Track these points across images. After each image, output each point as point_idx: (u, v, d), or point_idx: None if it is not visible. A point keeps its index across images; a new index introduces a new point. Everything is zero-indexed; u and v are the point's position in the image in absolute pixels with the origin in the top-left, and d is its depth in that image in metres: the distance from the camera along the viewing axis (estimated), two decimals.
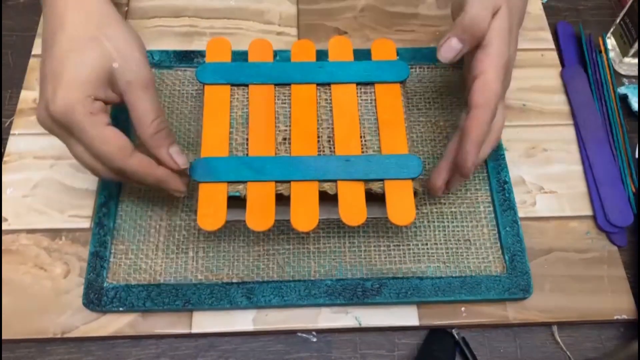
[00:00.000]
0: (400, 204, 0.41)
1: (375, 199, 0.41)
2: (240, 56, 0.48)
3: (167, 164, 0.40)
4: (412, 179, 0.41)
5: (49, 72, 0.37)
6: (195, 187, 0.42)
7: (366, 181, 0.41)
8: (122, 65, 0.38)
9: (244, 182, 0.41)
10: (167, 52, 0.53)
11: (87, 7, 0.39)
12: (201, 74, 0.45)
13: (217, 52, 0.46)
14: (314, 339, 0.43)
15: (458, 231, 0.46)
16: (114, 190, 0.46)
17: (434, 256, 0.45)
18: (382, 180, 0.41)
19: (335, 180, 0.41)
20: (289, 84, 0.45)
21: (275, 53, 0.51)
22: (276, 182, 0.41)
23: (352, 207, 0.40)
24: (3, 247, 0.45)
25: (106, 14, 0.39)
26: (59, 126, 0.37)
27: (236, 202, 0.41)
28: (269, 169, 0.41)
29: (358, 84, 0.45)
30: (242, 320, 0.42)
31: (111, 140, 0.37)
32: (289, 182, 0.41)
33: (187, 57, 0.53)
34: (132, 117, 0.39)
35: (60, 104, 0.36)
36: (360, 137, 0.43)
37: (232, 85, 0.45)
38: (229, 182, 0.41)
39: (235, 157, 0.42)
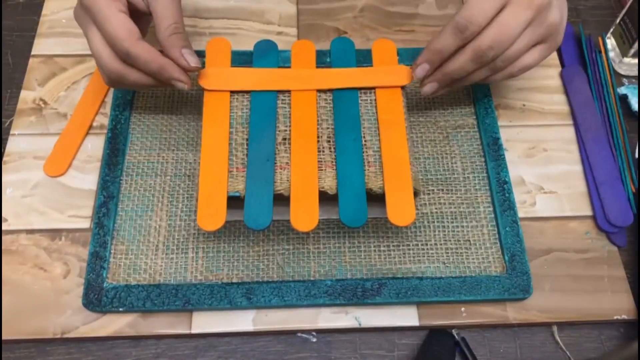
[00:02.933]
0: (400, 205, 0.41)
1: (375, 199, 0.41)
2: (240, 56, 0.48)
3: (178, 62, 0.42)
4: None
5: None
6: (196, 187, 0.42)
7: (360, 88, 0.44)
8: None
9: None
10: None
11: None
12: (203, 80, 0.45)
13: (216, 52, 0.46)
14: (314, 339, 0.43)
15: (458, 231, 0.46)
16: (114, 191, 0.46)
17: (433, 256, 0.45)
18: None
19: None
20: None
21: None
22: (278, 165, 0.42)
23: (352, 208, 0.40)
24: (3, 247, 0.45)
25: None
26: (84, 11, 0.42)
27: (236, 202, 0.41)
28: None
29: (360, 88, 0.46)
30: (242, 321, 0.42)
31: (122, 22, 0.41)
32: (290, 166, 0.42)
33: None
34: (154, 20, 0.42)
35: None
36: (361, 136, 0.43)
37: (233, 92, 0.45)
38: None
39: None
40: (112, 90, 0.51)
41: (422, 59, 0.43)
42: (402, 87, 0.46)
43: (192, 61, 0.42)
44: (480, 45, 0.40)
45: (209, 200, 0.40)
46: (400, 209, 0.40)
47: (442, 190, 0.47)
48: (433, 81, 0.44)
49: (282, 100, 0.45)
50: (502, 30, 0.40)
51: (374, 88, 0.46)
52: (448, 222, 0.46)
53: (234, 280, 0.43)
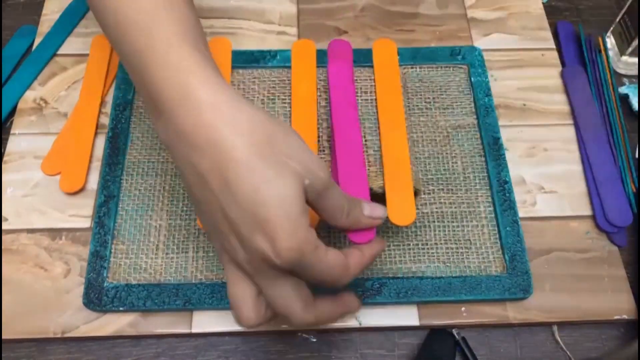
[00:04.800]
0: (401, 204, 0.41)
1: (375, 199, 0.41)
2: (240, 56, 0.48)
3: (372, 224, 0.37)
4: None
5: (242, 220, 0.30)
6: None
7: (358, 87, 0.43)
8: (310, 178, 0.31)
9: None
10: None
11: (242, 120, 0.30)
12: None
13: (217, 52, 0.46)
14: (314, 339, 0.43)
15: (458, 231, 0.46)
16: (114, 190, 0.46)
17: (434, 256, 0.45)
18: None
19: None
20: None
21: (276, 53, 0.51)
22: None
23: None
24: (3, 247, 0.45)
25: (263, 120, 0.31)
26: (278, 269, 0.31)
27: None
28: None
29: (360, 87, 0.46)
30: None
31: (337, 263, 0.33)
32: None
33: None
34: (325, 216, 0.34)
35: (287, 252, 0.30)
36: (360, 137, 0.43)
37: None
38: None
39: None
40: (112, 89, 0.51)
41: None
42: (402, 85, 0.46)
43: (382, 213, 0.37)
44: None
45: None
46: (400, 209, 0.40)
47: (443, 190, 0.47)
48: None
49: (282, 100, 0.45)
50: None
51: (374, 85, 0.46)
52: (448, 221, 0.46)
53: None
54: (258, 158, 0.29)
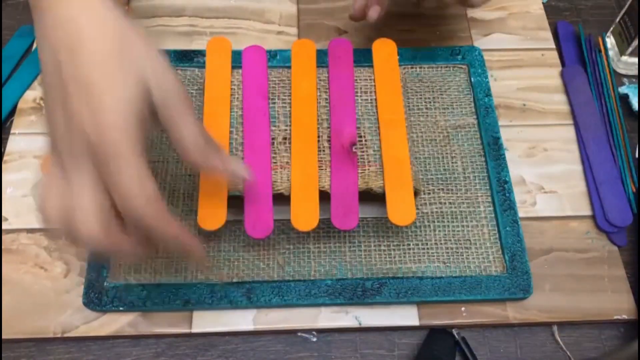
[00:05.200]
0: (401, 204, 0.41)
1: (375, 199, 0.41)
2: (240, 56, 0.48)
3: (228, 173, 0.36)
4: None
5: (76, 96, 0.30)
6: (196, 187, 0.42)
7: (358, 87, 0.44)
8: (159, 84, 0.32)
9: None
10: (167, 51, 0.53)
11: (103, 21, 0.32)
12: None
13: (217, 52, 0.46)
14: (314, 339, 0.43)
15: (458, 231, 0.46)
16: None
17: (434, 256, 0.45)
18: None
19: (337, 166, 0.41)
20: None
21: (276, 53, 0.51)
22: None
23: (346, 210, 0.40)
24: (3, 247, 0.45)
25: (123, 26, 0.33)
26: (90, 158, 0.30)
27: (236, 202, 0.41)
28: None
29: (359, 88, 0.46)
30: (242, 320, 0.42)
31: (146, 190, 0.31)
32: (290, 165, 0.42)
33: (187, 57, 0.53)
34: (174, 138, 0.33)
35: (106, 131, 0.30)
36: (361, 136, 0.43)
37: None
38: None
39: None
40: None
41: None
42: (402, 84, 0.46)
43: (245, 173, 0.37)
44: None
45: (209, 200, 0.40)
46: (400, 209, 0.40)
47: (443, 189, 0.47)
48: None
49: (282, 100, 0.45)
50: None
51: (374, 85, 0.46)
52: (448, 221, 0.46)
53: (235, 280, 0.43)
54: (108, 53, 0.31)
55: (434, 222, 0.46)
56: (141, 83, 0.31)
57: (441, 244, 0.45)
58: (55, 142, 0.32)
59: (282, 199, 0.41)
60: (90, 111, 0.30)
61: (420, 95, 0.52)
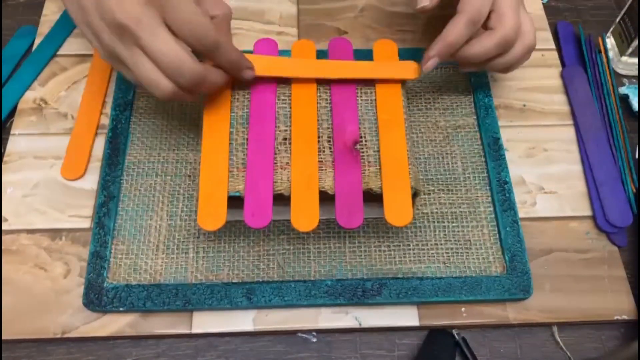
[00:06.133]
0: (398, 205, 0.41)
1: (375, 199, 0.41)
2: None
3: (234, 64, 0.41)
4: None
5: None
6: (196, 187, 0.42)
7: (358, 87, 0.45)
8: None
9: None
10: None
11: None
12: None
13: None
14: (314, 339, 0.43)
15: (458, 231, 0.46)
16: (114, 190, 0.46)
17: (434, 256, 0.45)
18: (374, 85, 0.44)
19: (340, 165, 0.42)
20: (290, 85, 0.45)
21: None
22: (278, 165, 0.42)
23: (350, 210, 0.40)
24: (3, 247, 0.45)
25: None
26: (121, 35, 0.36)
27: (236, 202, 0.41)
28: None
29: (358, 82, 0.45)
30: (242, 321, 0.42)
31: (171, 53, 0.36)
32: (290, 165, 0.42)
33: None
34: (189, 35, 0.37)
35: (126, 11, 0.35)
36: (360, 137, 0.43)
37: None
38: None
39: None
40: (112, 89, 0.51)
41: (434, 52, 0.44)
42: (402, 84, 0.46)
43: (247, 62, 0.42)
44: (506, 32, 0.43)
45: (209, 200, 0.40)
46: (397, 210, 0.40)
47: (443, 190, 0.47)
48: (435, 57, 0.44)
49: (283, 100, 0.45)
50: (515, 19, 0.43)
51: (374, 85, 0.46)
52: (448, 222, 0.46)
53: (234, 280, 0.43)
54: None
55: (434, 222, 0.46)
56: None
57: (441, 244, 0.45)
58: (98, 37, 0.38)
59: (282, 199, 0.41)
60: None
61: (420, 95, 0.52)
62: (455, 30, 0.43)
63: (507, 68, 0.47)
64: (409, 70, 0.46)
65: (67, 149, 0.48)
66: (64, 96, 0.52)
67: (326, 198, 0.41)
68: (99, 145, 0.49)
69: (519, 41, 0.44)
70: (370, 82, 0.46)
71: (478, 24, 0.43)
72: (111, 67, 0.52)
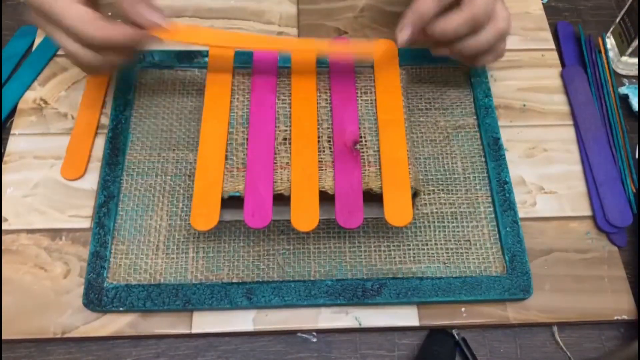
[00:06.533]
0: (398, 205, 0.41)
1: (375, 199, 0.41)
2: (241, 56, 0.48)
3: (147, 25, 0.41)
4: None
5: None
6: (192, 187, 0.42)
7: (358, 88, 0.44)
8: None
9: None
10: (167, 52, 0.53)
11: None
12: None
13: (219, 52, 0.46)
14: (314, 339, 0.43)
15: (458, 231, 0.46)
16: (114, 190, 0.46)
17: (434, 256, 0.45)
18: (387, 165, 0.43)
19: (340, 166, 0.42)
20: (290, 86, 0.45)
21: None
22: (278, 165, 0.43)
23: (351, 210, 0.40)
24: (3, 247, 0.45)
25: None
26: (40, 15, 0.40)
27: (236, 202, 0.41)
28: None
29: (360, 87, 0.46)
30: (242, 321, 0.42)
31: (78, 12, 0.39)
32: (290, 165, 0.42)
33: (187, 57, 0.53)
34: None
35: None
36: (360, 137, 0.43)
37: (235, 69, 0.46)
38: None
39: None
40: (112, 89, 0.51)
41: (406, 20, 0.44)
42: (402, 86, 0.46)
43: (157, 17, 0.42)
44: (475, 11, 0.42)
45: (202, 201, 0.40)
46: (397, 210, 0.40)
47: (443, 190, 0.47)
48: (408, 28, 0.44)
49: (283, 100, 0.45)
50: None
51: (374, 85, 0.46)
52: (448, 222, 0.46)
53: (234, 280, 0.43)
54: None
55: (434, 222, 0.46)
56: None
57: (441, 244, 0.45)
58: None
59: (282, 199, 0.41)
60: None
61: (421, 95, 0.52)
62: (425, 1, 0.43)
63: (479, 55, 0.46)
64: (371, 48, 0.46)
65: (67, 149, 0.48)
66: (64, 96, 0.52)
67: (326, 198, 0.41)
68: (99, 145, 0.49)
69: (490, 24, 0.44)
70: (370, 83, 0.46)
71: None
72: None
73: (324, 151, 0.43)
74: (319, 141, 0.43)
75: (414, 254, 0.45)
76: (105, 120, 0.50)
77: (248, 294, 0.42)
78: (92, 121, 0.50)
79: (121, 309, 0.42)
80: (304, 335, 0.43)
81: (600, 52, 0.55)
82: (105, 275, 0.43)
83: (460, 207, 0.47)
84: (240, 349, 0.43)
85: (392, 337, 0.43)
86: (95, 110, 0.51)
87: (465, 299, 0.43)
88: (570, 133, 0.51)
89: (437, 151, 0.49)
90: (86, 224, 0.46)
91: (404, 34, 0.44)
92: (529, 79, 0.54)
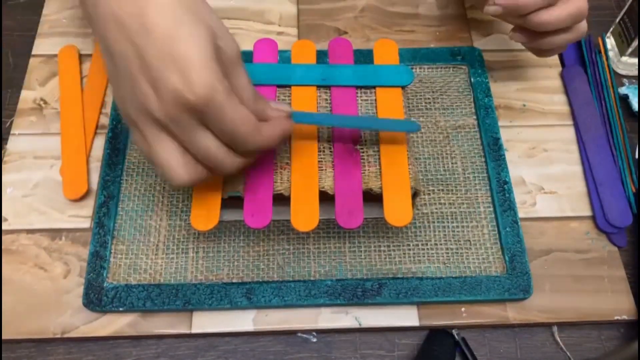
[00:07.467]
0: (398, 205, 0.41)
1: (375, 199, 0.41)
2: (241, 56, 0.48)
3: (277, 115, 0.37)
4: (403, 86, 0.43)
5: (156, 59, 0.31)
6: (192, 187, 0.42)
7: (358, 87, 0.44)
8: (223, 40, 0.34)
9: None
10: None
11: None
12: None
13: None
14: (314, 339, 0.43)
15: (458, 231, 0.46)
16: (114, 190, 0.46)
17: (434, 256, 0.45)
18: (374, 87, 0.43)
19: (340, 165, 0.42)
20: (290, 86, 0.45)
21: None
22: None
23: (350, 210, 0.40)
24: (3, 247, 0.45)
25: None
26: (192, 115, 0.32)
27: (236, 202, 0.41)
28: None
29: (360, 87, 0.45)
30: (242, 321, 0.42)
31: (249, 119, 0.34)
32: (290, 165, 0.42)
33: None
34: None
35: (200, 87, 0.31)
36: (360, 137, 0.43)
37: None
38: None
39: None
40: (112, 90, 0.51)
41: (501, 2, 0.43)
42: (403, 87, 0.46)
43: (286, 108, 0.38)
44: (580, 3, 0.43)
45: (202, 200, 0.40)
46: (397, 210, 0.40)
47: (442, 190, 0.47)
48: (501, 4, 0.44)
49: (282, 100, 0.45)
50: None
51: (373, 88, 0.46)
52: (448, 222, 0.46)
53: (234, 280, 0.43)
54: (178, 4, 0.32)
55: (433, 222, 0.46)
56: (212, 33, 0.33)
57: (441, 244, 0.45)
58: (147, 109, 0.32)
59: (282, 199, 0.41)
60: (181, 77, 0.31)
61: (421, 95, 0.52)
62: None
63: (560, 47, 0.47)
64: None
65: (60, 169, 0.47)
66: None
67: (326, 198, 0.41)
68: (99, 145, 0.49)
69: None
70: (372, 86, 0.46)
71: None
72: None
73: (324, 151, 0.43)
74: (318, 141, 0.43)
75: (413, 254, 0.45)
76: (105, 120, 0.50)
77: (248, 294, 0.42)
78: (91, 121, 0.50)
79: (121, 309, 0.42)
80: (304, 335, 0.43)
81: (600, 52, 0.55)
82: (105, 275, 0.43)
83: (460, 207, 0.47)
84: (240, 349, 0.43)
85: (392, 337, 0.43)
86: (95, 110, 0.50)
87: (465, 299, 0.43)
88: (570, 133, 0.51)
89: (437, 151, 0.49)
90: (86, 224, 0.46)
91: (492, 9, 0.44)
92: (529, 79, 0.54)
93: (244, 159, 0.36)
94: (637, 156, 0.50)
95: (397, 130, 0.43)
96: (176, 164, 0.34)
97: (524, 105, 0.53)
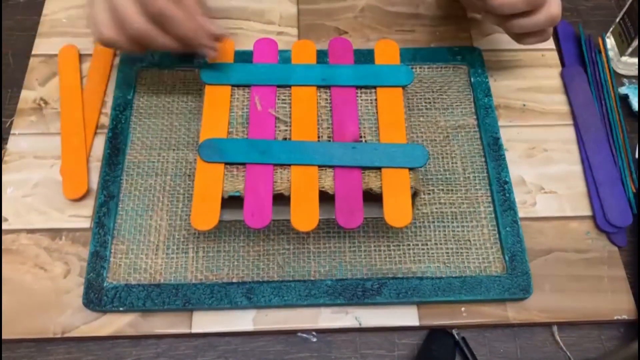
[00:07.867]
0: (398, 206, 0.41)
1: (375, 199, 0.41)
2: (241, 56, 0.48)
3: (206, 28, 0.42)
4: (417, 168, 0.42)
5: None
6: (192, 187, 0.42)
7: (371, 169, 0.42)
8: None
9: (244, 163, 0.41)
10: (167, 52, 0.53)
11: None
12: (205, 74, 0.45)
13: (220, 52, 0.46)
14: (314, 339, 0.43)
15: (458, 231, 0.46)
16: (114, 190, 0.46)
17: (434, 256, 0.45)
18: (388, 167, 0.41)
19: (340, 166, 0.41)
20: (290, 86, 0.45)
21: None
22: (278, 165, 0.42)
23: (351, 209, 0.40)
24: (3, 247, 0.45)
25: None
26: None
27: (236, 202, 0.41)
28: (275, 152, 0.42)
29: (360, 87, 0.46)
30: (242, 320, 0.42)
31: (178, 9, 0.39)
32: (290, 165, 0.41)
33: (187, 57, 0.53)
34: None
35: None
36: (360, 137, 0.43)
37: (234, 86, 0.45)
38: (232, 162, 0.42)
39: (242, 139, 0.43)
40: (112, 89, 0.51)
41: None
42: (403, 87, 0.46)
43: (219, 29, 0.42)
44: None
45: (203, 200, 0.40)
46: (397, 211, 0.40)
47: (443, 190, 0.47)
48: None
49: (283, 100, 0.45)
50: None
51: (373, 88, 0.46)
52: (448, 222, 0.46)
53: (234, 280, 0.43)
54: None
55: (434, 222, 0.46)
56: None
57: (441, 244, 0.45)
58: None
59: (282, 199, 0.41)
60: None
61: (421, 95, 0.52)
62: None
63: (525, 35, 0.48)
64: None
65: (60, 169, 0.48)
66: None
67: (326, 198, 0.41)
68: (99, 145, 0.49)
69: (544, 7, 0.45)
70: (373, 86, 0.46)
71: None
72: (110, 67, 0.53)
73: None
74: (318, 141, 0.43)
75: (413, 253, 0.45)
76: (105, 120, 0.50)
77: (248, 294, 0.42)
78: (91, 121, 0.50)
79: (121, 308, 0.42)
80: (304, 335, 0.43)
81: (600, 52, 0.55)
82: (105, 275, 0.43)
83: (460, 207, 0.47)
84: (240, 349, 0.43)
85: (392, 337, 0.43)
86: (95, 110, 0.50)
87: (465, 298, 0.43)
88: (570, 133, 0.51)
89: (437, 151, 0.49)
90: (86, 223, 0.46)
91: None
92: (529, 78, 0.54)
93: (158, 29, 0.40)
94: (637, 156, 0.50)
95: (399, 167, 0.42)
96: (105, 22, 0.41)
97: (524, 105, 0.53)
